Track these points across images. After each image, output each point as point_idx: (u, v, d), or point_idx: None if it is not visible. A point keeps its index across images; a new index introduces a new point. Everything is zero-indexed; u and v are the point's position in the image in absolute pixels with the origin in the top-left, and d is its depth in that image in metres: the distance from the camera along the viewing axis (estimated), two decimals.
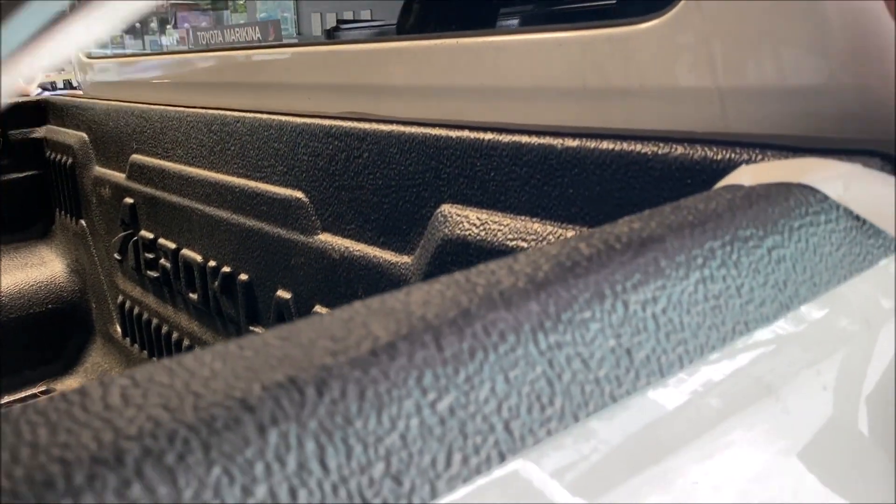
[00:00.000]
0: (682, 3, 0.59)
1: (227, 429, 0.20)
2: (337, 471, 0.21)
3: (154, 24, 6.56)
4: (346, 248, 0.90)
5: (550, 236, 0.66)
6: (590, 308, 0.28)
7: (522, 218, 0.69)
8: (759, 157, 0.52)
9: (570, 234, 0.64)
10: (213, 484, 0.19)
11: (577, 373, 0.27)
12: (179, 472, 0.19)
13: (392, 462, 0.22)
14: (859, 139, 0.51)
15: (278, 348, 0.24)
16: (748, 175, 0.43)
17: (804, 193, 0.39)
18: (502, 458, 0.24)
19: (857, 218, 0.41)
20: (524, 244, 0.67)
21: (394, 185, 0.83)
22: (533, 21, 1.31)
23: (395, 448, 0.22)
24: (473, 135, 0.73)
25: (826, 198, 0.40)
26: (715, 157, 0.54)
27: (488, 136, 0.72)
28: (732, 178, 0.43)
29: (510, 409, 0.25)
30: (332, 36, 1.51)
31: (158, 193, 1.33)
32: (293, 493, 0.20)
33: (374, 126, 0.85)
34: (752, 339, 0.33)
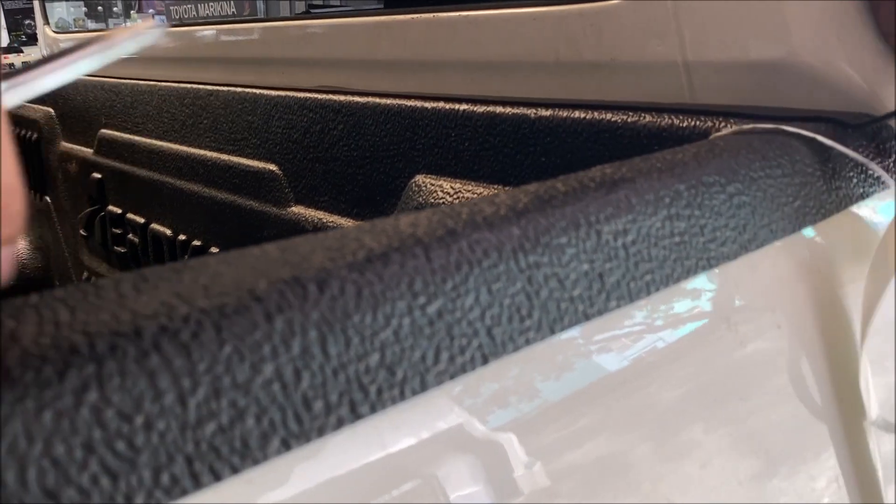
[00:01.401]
0: None
1: (236, 314, 0.22)
2: (337, 357, 0.23)
3: (118, 8, 6.45)
4: (320, 219, 0.91)
5: None
6: (566, 234, 0.30)
7: (495, 186, 0.71)
8: (723, 123, 0.54)
9: None
10: (225, 360, 0.21)
11: (553, 290, 0.29)
12: (194, 348, 0.21)
13: (386, 354, 0.24)
14: (818, 111, 0.54)
15: (279, 256, 0.26)
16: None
17: (765, 150, 0.42)
18: (485, 360, 0.26)
19: (812, 174, 0.43)
20: None
21: (368, 157, 0.85)
22: None
23: (388, 342, 0.24)
24: (448, 106, 0.75)
25: (784, 154, 0.42)
26: (681, 125, 0.56)
27: (463, 106, 0.74)
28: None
29: (492, 318, 0.27)
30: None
31: (128, 168, 1.33)
32: (297, 374, 0.22)
33: (350, 98, 0.86)
34: (713, 274, 0.35)
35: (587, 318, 0.29)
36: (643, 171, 0.37)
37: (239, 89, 1.04)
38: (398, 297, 0.25)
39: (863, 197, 0.46)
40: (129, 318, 0.21)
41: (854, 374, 0.41)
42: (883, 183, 0.47)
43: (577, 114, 0.63)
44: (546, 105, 0.66)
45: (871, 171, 0.47)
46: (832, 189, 0.44)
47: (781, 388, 0.37)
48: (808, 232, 0.42)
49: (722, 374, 0.35)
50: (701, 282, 0.34)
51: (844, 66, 0.54)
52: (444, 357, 0.25)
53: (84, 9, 6.75)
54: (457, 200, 0.73)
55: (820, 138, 0.45)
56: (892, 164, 0.48)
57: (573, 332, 0.29)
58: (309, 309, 0.23)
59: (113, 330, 0.20)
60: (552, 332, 0.28)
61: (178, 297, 0.22)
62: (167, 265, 0.25)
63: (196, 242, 1.16)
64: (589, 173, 0.37)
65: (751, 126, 0.48)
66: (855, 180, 0.46)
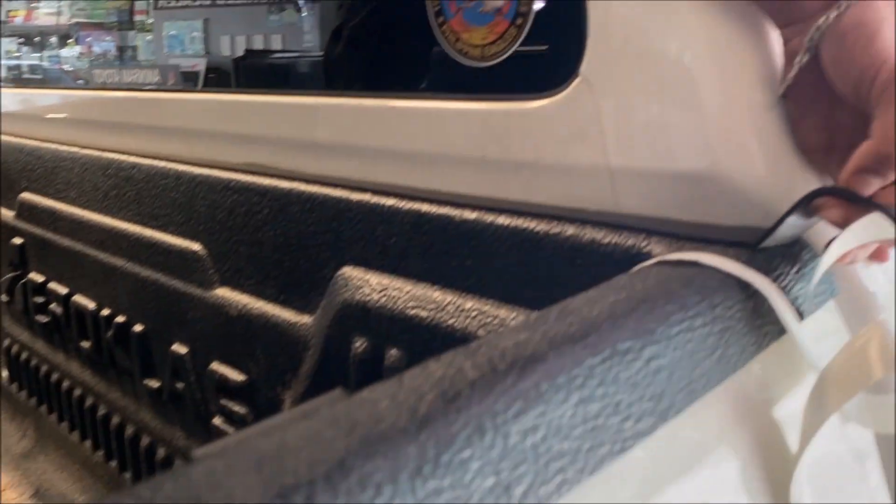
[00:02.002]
0: (575, 82, 0.61)
1: None
2: None
3: (54, 39, 6.32)
4: (245, 304, 0.88)
5: (450, 306, 0.66)
6: (470, 446, 0.28)
7: (423, 285, 0.69)
8: (644, 243, 0.54)
9: (469, 304, 0.65)
10: None
11: None
12: None
13: None
14: (740, 227, 0.53)
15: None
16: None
17: (684, 295, 0.41)
18: None
19: (733, 316, 0.43)
20: (424, 313, 0.67)
21: (294, 244, 0.82)
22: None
23: None
24: (374, 199, 0.73)
25: (703, 297, 0.41)
26: (602, 241, 0.55)
27: (389, 201, 0.72)
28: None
29: None
30: (239, 65, 1.49)
31: (50, 235, 1.27)
32: None
33: (275, 182, 0.84)
34: (628, 456, 0.33)
35: None
36: (556, 340, 0.35)
37: (162, 164, 1.00)
38: None
39: (783, 332, 0.45)
40: None
41: None
42: (802, 312, 0.47)
43: (501, 219, 0.62)
44: (472, 206, 0.65)
45: (796, 299, 0.46)
46: (754, 328, 0.43)
47: None
48: (732, 381, 0.41)
49: None
50: (617, 468, 0.33)
51: (766, 179, 0.53)
52: None
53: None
54: (384, 298, 0.71)
55: (739, 273, 0.44)
56: (807, 289, 0.47)
57: None
58: None
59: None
60: None
61: None
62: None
63: (120, 319, 1.11)
64: (502, 342, 0.35)
65: (673, 257, 0.48)
66: (774, 318, 0.45)
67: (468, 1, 0.68)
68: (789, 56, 0.48)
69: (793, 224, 0.48)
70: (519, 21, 0.64)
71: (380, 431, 0.28)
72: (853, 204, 0.44)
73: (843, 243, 0.44)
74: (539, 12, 0.64)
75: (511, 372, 0.32)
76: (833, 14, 0.44)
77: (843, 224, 0.45)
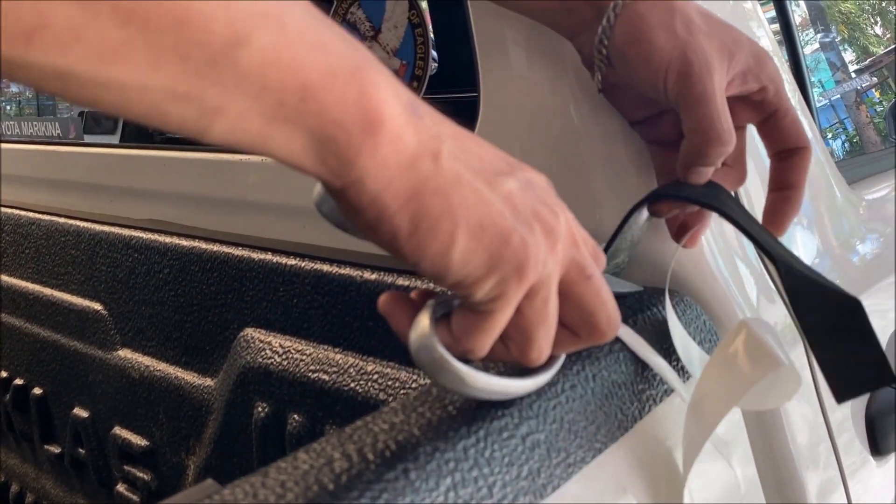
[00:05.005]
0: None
1: None
2: None
3: None
4: (147, 366, 0.85)
5: (351, 369, 0.65)
6: None
7: (325, 347, 0.68)
8: None
9: (370, 367, 0.64)
10: None
11: None
12: None
13: None
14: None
15: None
16: None
17: (563, 364, 0.41)
18: None
19: (615, 382, 0.43)
20: (325, 376, 0.66)
21: (196, 304, 0.80)
22: None
23: None
24: (276, 258, 0.72)
25: (583, 369, 0.42)
26: None
27: (291, 261, 0.71)
28: None
29: None
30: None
31: None
32: None
33: (175, 240, 0.82)
34: None
35: None
36: (430, 423, 0.35)
37: (62, 220, 0.97)
38: None
39: (667, 393, 0.46)
40: None
41: None
42: (687, 373, 0.48)
43: (400, 280, 0.62)
44: (372, 267, 0.65)
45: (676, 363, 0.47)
46: (635, 395, 0.44)
47: None
48: (611, 451, 0.41)
49: None
50: None
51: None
52: None
53: None
54: (286, 361, 0.69)
55: (619, 333, 0.45)
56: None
57: None
58: None
59: None
60: None
61: None
62: None
63: (18, 381, 1.06)
64: (375, 425, 0.35)
65: None
66: (657, 378, 0.46)
67: None
68: (588, 63, 0.49)
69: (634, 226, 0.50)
70: (415, 84, 0.65)
71: None
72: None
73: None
74: (434, 75, 0.65)
75: (380, 461, 0.32)
76: (605, 25, 0.45)
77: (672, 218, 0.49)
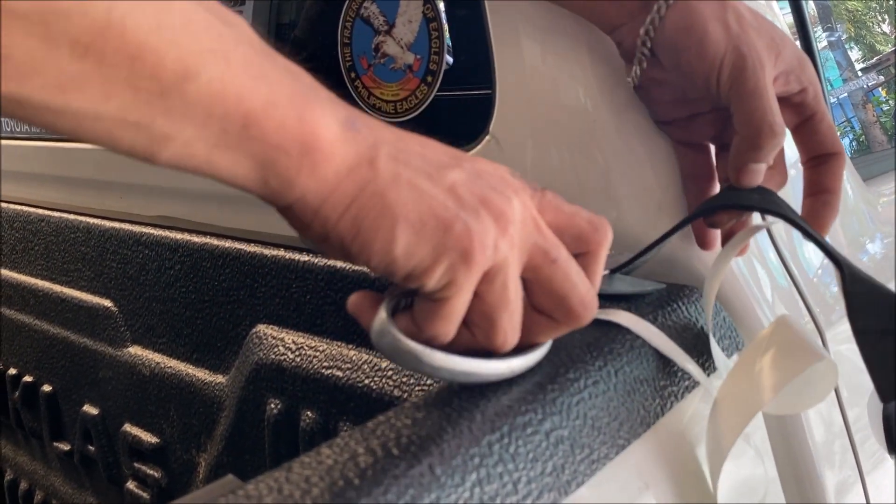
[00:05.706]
0: (485, 141, 0.61)
1: None
2: None
3: None
4: (158, 363, 0.85)
5: (365, 365, 0.65)
6: None
7: (338, 344, 0.68)
8: None
9: (384, 363, 0.64)
10: None
11: None
12: None
13: None
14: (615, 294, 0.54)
15: None
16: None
17: (584, 360, 0.41)
18: None
19: (637, 377, 0.43)
20: (339, 373, 0.66)
21: (208, 301, 0.80)
22: None
23: None
24: (288, 255, 0.72)
25: (606, 361, 0.41)
26: None
27: (304, 257, 0.71)
28: None
29: None
30: None
31: None
32: None
33: (186, 237, 0.81)
34: None
35: None
36: (453, 418, 0.34)
37: (72, 217, 0.97)
38: None
39: (689, 389, 0.46)
40: None
41: None
42: (710, 368, 0.47)
43: None
44: None
45: (700, 358, 0.47)
46: (657, 390, 0.44)
47: None
48: (633, 448, 0.41)
49: None
50: None
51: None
52: None
53: None
54: (299, 357, 0.69)
55: (640, 330, 0.44)
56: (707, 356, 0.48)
57: None
58: None
59: None
60: None
61: None
62: None
63: (27, 378, 1.06)
64: (399, 421, 0.34)
65: None
66: (679, 374, 0.45)
67: (380, 57, 0.68)
68: (627, 56, 0.48)
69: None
70: (429, 79, 0.64)
71: None
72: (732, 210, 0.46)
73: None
74: (449, 71, 0.64)
75: (405, 456, 0.31)
76: (655, 16, 0.44)
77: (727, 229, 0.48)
